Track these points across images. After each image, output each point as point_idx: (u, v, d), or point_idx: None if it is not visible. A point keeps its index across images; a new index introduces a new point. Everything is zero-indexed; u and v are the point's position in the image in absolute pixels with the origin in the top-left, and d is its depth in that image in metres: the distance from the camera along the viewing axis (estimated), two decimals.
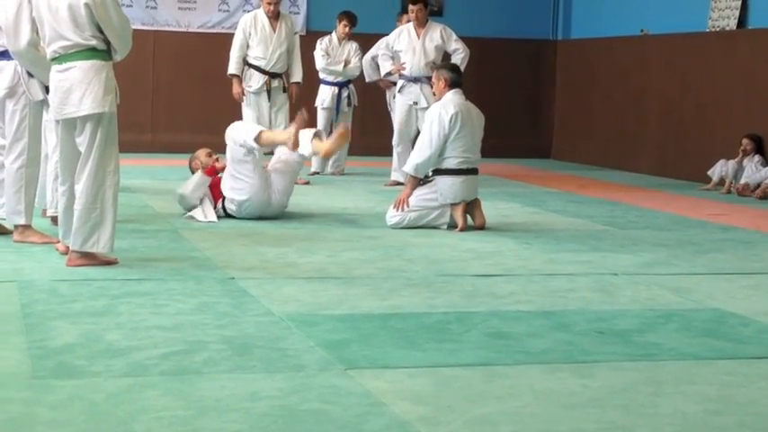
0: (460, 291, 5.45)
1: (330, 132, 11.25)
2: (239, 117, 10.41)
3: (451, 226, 7.51)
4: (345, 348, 4.23)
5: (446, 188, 7.52)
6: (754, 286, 5.80)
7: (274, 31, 10.24)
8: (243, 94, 10.21)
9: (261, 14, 10.30)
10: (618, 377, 3.95)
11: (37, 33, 6.17)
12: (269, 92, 10.25)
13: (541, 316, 4.92)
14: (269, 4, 10.21)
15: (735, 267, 6.37)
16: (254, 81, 10.23)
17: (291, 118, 10.34)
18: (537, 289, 5.55)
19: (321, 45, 11.18)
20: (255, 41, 10.21)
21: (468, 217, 7.61)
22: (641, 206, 9.26)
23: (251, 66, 10.23)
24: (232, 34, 10.52)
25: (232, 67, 10.24)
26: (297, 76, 10.34)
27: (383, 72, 10.75)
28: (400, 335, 4.48)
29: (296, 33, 10.51)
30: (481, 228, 7.54)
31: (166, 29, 13.31)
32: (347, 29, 11.17)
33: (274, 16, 10.26)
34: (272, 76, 10.25)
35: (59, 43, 5.68)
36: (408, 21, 10.90)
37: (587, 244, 7.07)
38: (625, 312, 5.04)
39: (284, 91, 10.33)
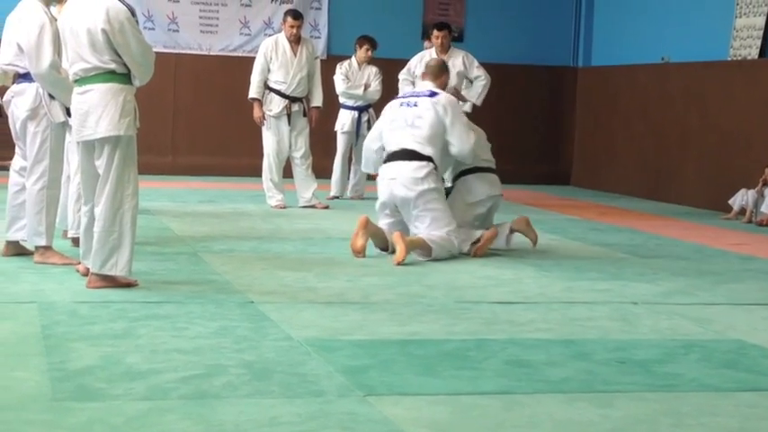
0: (480, 318, 5.44)
1: (350, 157, 11.34)
2: (259, 140, 10.46)
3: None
4: (364, 374, 4.22)
5: (472, 185, 7.66)
6: None
7: (295, 55, 10.28)
8: (264, 118, 10.25)
9: (282, 39, 10.35)
10: (638, 408, 3.92)
11: (59, 55, 6.22)
12: (289, 116, 10.28)
13: (561, 344, 4.90)
14: (291, 27, 10.26)
15: (756, 298, 6.33)
16: (275, 105, 10.26)
17: (313, 141, 10.42)
18: (556, 317, 5.53)
19: (341, 69, 11.22)
20: (276, 65, 10.25)
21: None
22: (661, 234, 9.23)
23: (272, 90, 10.27)
24: (253, 58, 10.56)
25: (253, 91, 10.28)
26: (317, 100, 10.37)
27: None
28: (419, 361, 4.47)
29: (317, 58, 10.55)
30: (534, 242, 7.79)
31: (188, 52, 13.38)
32: (369, 53, 11.21)
33: (295, 40, 10.31)
34: (293, 100, 10.28)
35: (80, 65, 5.72)
36: (431, 46, 10.96)
37: (607, 272, 7.04)
38: (645, 342, 5.02)
39: (304, 115, 10.36)
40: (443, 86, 7.80)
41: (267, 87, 10.30)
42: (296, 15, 10.38)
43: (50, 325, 4.85)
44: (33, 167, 6.45)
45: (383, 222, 7.49)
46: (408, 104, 7.53)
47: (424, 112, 7.43)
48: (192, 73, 13.36)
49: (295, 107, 10.30)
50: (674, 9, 12.54)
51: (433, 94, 7.54)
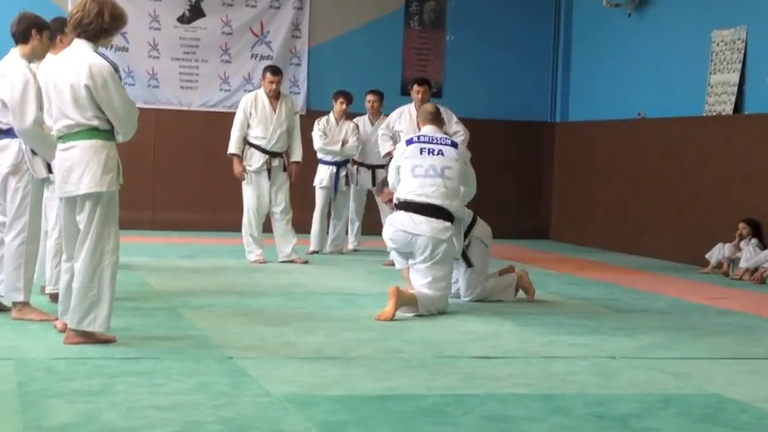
0: (459, 373, 5.44)
1: (329, 212, 11.39)
2: (239, 195, 10.47)
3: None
4: (342, 430, 4.20)
5: (483, 233, 7.96)
6: (753, 371, 5.78)
7: (274, 110, 10.34)
8: (244, 172, 10.28)
9: (261, 94, 10.42)
10: None
11: (41, 109, 6.24)
12: (269, 171, 10.32)
13: (540, 399, 4.90)
14: (270, 82, 10.33)
15: (734, 352, 6.35)
16: (255, 160, 10.30)
17: (291, 196, 10.46)
18: (535, 372, 5.54)
19: (319, 125, 11.29)
20: (256, 121, 10.30)
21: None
22: (640, 289, 9.26)
23: (251, 145, 10.31)
24: (233, 113, 10.62)
25: (232, 147, 10.32)
26: (297, 155, 10.42)
27: (383, 152, 10.83)
28: (397, 417, 4.46)
29: (296, 113, 10.62)
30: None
31: (168, 107, 13.44)
32: (344, 106, 11.32)
33: (275, 96, 10.37)
34: (273, 155, 10.32)
35: (63, 122, 5.74)
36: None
37: (586, 326, 7.06)
38: (623, 396, 5.03)
39: (285, 170, 10.40)
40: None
41: (247, 143, 10.34)
42: (275, 71, 10.45)
43: (27, 382, 4.82)
44: (13, 223, 6.44)
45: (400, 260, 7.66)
46: (432, 152, 7.54)
47: (452, 163, 7.54)
48: (171, 128, 13.40)
49: (275, 162, 10.34)
50: (649, 65, 12.70)
51: (454, 144, 7.70)
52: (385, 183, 8.30)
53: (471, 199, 7.88)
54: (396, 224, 7.44)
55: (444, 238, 7.33)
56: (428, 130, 7.77)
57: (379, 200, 11.08)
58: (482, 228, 8.00)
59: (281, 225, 10.33)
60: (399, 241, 7.41)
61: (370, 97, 11.55)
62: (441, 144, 7.62)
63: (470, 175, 7.82)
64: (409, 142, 7.74)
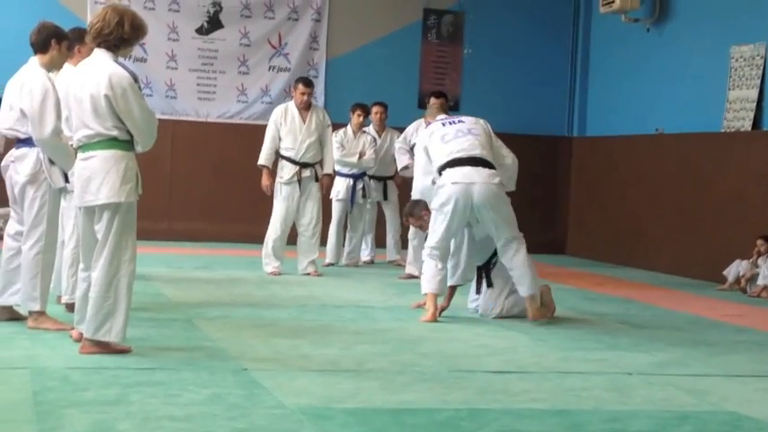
0: (473, 387, 5.42)
1: (345, 224, 11.38)
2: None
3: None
4: None
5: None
6: None
7: (304, 121, 10.37)
8: (271, 187, 10.26)
9: (292, 106, 10.46)
10: None
11: (59, 119, 6.27)
12: (300, 182, 10.33)
13: (555, 415, 4.87)
14: (302, 94, 10.36)
15: (750, 370, 6.31)
16: (286, 172, 10.31)
17: (324, 209, 10.45)
18: (551, 387, 5.51)
19: (336, 138, 11.29)
20: (285, 132, 10.35)
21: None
22: (657, 305, 9.22)
23: (283, 157, 10.34)
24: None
25: (262, 158, 10.33)
26: (328, 167, 10.45)
27: (400, 166, 10.86)
28: (412, 431, 4.45)
29: (328, 126, 10.58)
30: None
31: (185, 118, 13.47)
32: (361, 119, 11.34)
33: (305, 107, 10.40)
34: (303, 166, 10.32)
35: (83, 132, 5.75)
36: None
37: (602, 342, 7.03)
38: (639, 413, 5.00)
39: (316, 180, 10.38)
40: None
41: (279, 155, 10.37)
42: (307, 83, 10.51)
43: (42, 391, 4.82)
44: (30, 232, 6.46)
45: (434, 268, 7.68)
46: (453, 123, 7.92)
47: (473, 125, 7.88)
48: (189, 139, 13.43)
49: (306, 173, 10.33)
50: (667, 81, 12.67)
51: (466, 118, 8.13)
52: (411, 209, 8.26)
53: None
54: (448, 180, 7.58)
55: (495, 182, 7.59)
56: (441, 117, 8.29)
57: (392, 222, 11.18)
58: None
59: (305, 239, 10.31)
60: (457, 193, 7.49)
61: (375, 109, 11.57)
62: (456, 117, 8.11)
63: (500, 141, 8.02)
64: (428, 126, 8.31)
